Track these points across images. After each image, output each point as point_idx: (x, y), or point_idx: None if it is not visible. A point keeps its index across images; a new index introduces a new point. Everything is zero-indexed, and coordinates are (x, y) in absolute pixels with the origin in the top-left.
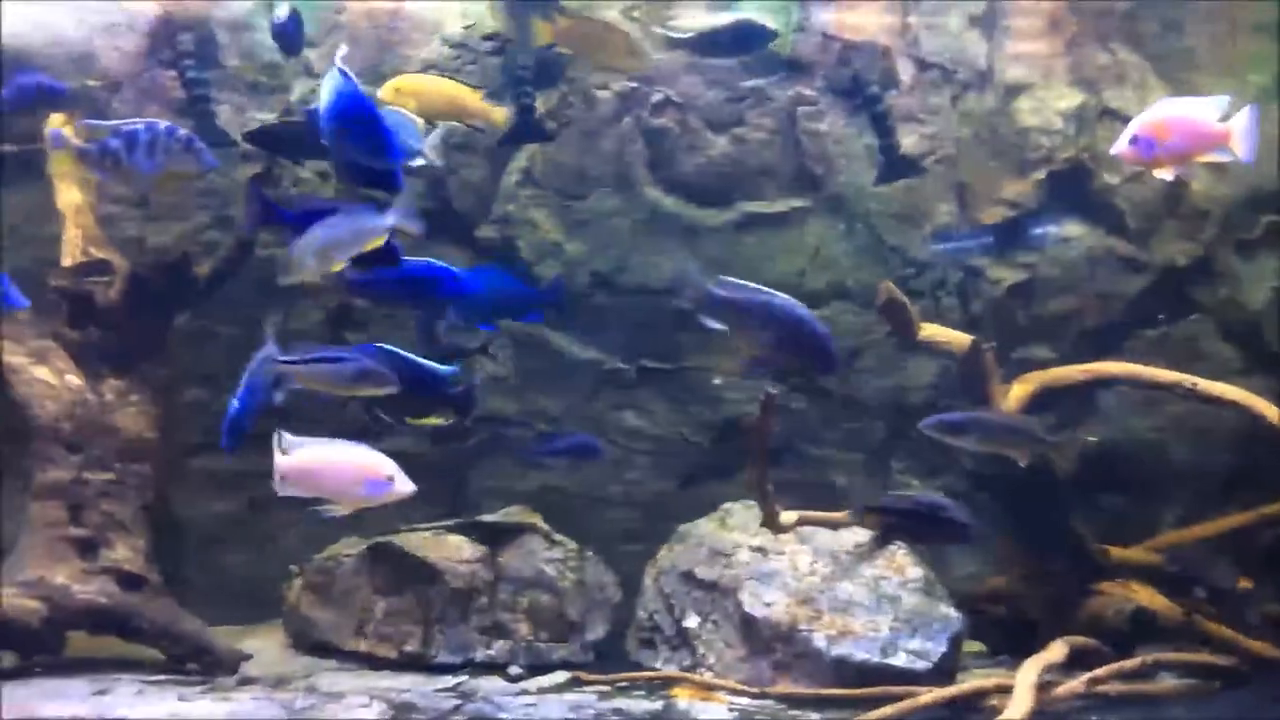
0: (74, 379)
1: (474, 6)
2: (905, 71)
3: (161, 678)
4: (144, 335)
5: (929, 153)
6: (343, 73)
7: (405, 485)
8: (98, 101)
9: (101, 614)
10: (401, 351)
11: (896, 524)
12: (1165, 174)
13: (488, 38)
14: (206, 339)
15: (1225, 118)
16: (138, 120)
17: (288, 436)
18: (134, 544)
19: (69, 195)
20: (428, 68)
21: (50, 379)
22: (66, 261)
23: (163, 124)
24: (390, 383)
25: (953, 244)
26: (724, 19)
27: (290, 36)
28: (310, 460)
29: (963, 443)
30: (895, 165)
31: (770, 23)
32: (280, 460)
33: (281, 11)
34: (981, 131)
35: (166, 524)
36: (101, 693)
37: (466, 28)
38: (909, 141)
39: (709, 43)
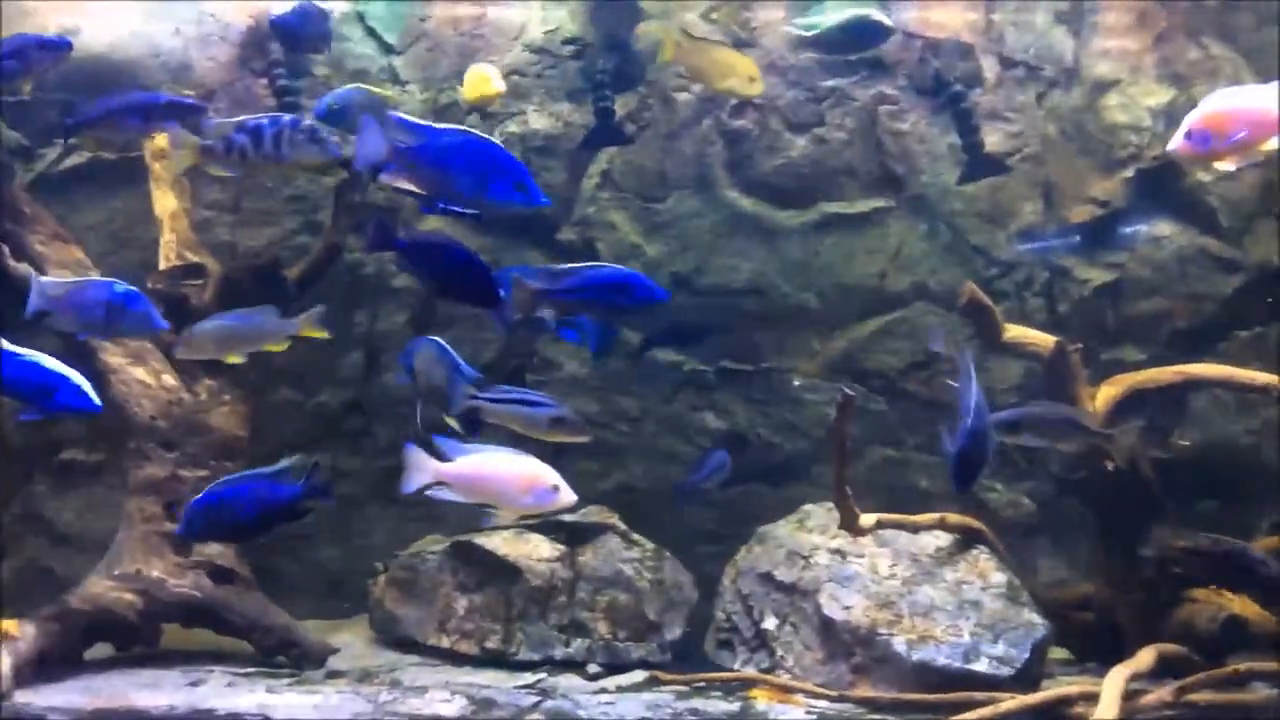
0: (170, 379)
1: (555, 12)
2: (989, 69)
3: (251, 670)
4: None
5: (1014, 151)
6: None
7: (569, 496)
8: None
9: (195, 607)
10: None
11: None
12: (1228, 166)
13: (568, 42)
14: (296, 340)
15: None
16: (262, 115)
17: (448, 441)
18: None
19: (165, 201)
20: (510, 73)
21: (147, 379)
22: (162, 265)
23: (286, 116)
24: (584, 432)
25: (1039, 244)
26: (843, 15)
27: (292, 29)
28: (476, 467)
29: (1020, 440)
30: (979, 164)
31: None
32: (441, 466)
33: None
34: (1068, 129)
35: None
36: (194, 684)
37: (547, 32)
38: (993, 140)
39: (829, 40)
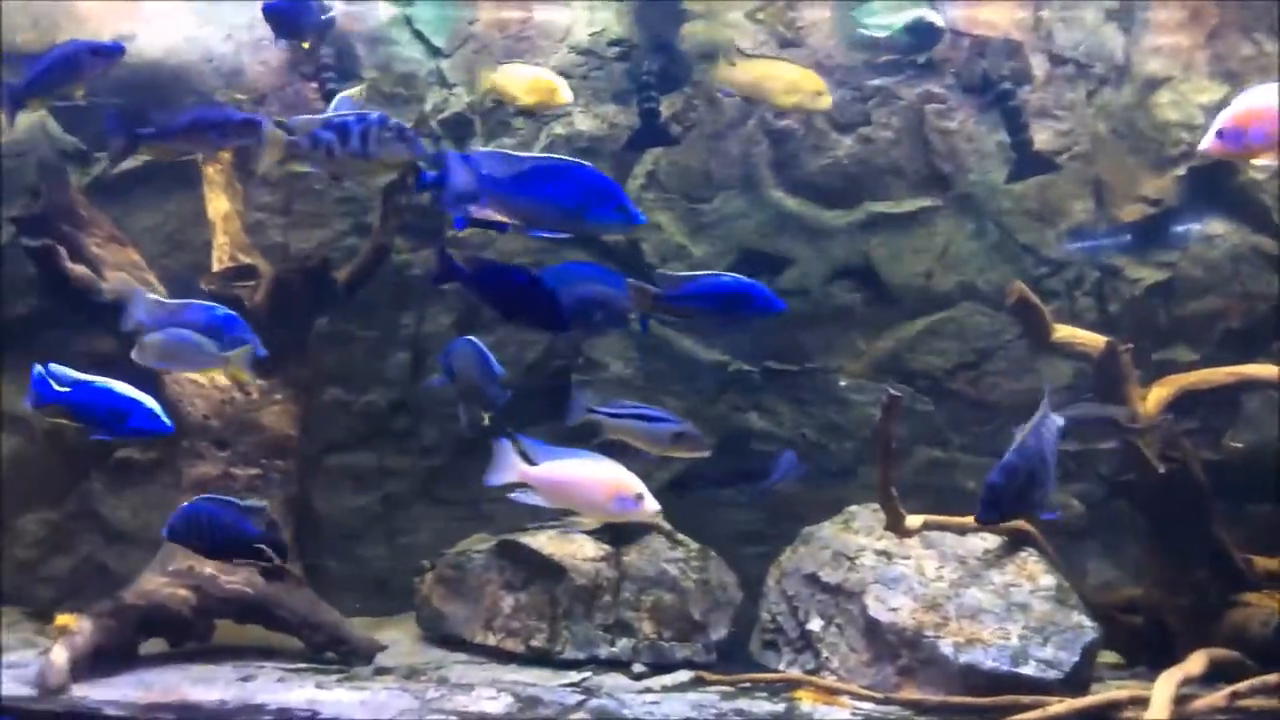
0: (222, 379)
1: (600, 14)
2: (1038, 66)
3: (301, 666)
4: (287, 337)
5: (1064, 149)
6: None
7: (652, 505)
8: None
9: (246, 603)
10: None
11: None
12: (1265, 162)
13: (613, 43)
14: (345, 341)
15: None
16: (348, 111)
17: (534, 444)
18: None
19: (219, 204)
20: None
21: (200, 379)
22: (215, 267)
23: (374, 113)
24: (704, 447)
25: (1089, 242)
26: (905, 16)
27: (283, 15)
28: (561, 473)
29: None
30: (1028, 162)
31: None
32: (527, 468)
33: None
34: (1119, 127)
35: (306, 518)
36: (245, 679)
37: (593, 34)
38: (1043, 138)
39: (893, 42)
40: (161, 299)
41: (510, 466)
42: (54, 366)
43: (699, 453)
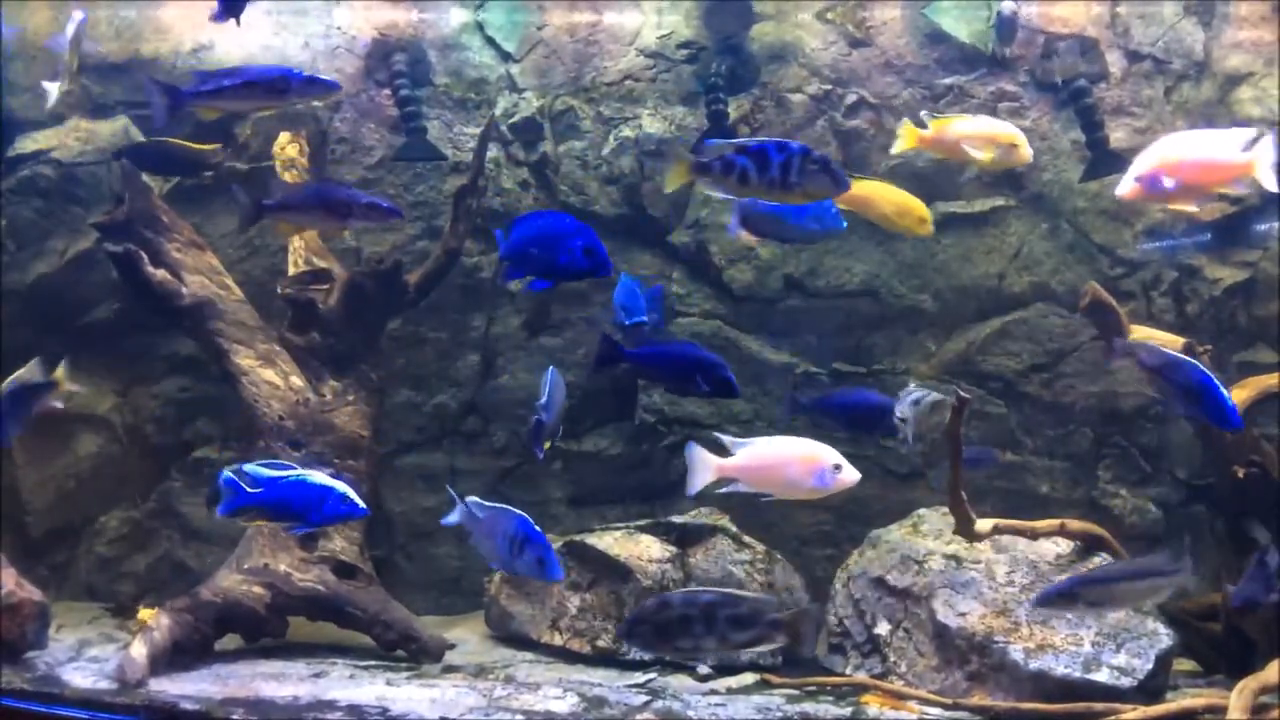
0: (297, 380)
1: (669, 16)
2: (1115, 63)
3: (372, 663)
4: (360, 339)
5: (1141, 147)
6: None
7: (852, 474)
8: (320, 121)
9: (319, 601)
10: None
11: None
12: (1182, 207)
13: (682, 45)
14: (416, 343)
15: (1251, 147)
16: (766, 139)
17: (725, 438)
18: (349, 536)
19: None
20: (625, 78)
21: (276, 380)
22: (291, 270)
23: (796, 143)
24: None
25: (1167, 242)
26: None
27: None
28: (759, 459)
29: None
30: (1104, 160)
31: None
32: (723, 462)
33: None
34: (1198, 124)
35: (378, 517)
36: (317, 675)
37: (661, 37)
38: (1119, 136)
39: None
40: (484, 502)
41: (706, 467)
42: (245, 468)
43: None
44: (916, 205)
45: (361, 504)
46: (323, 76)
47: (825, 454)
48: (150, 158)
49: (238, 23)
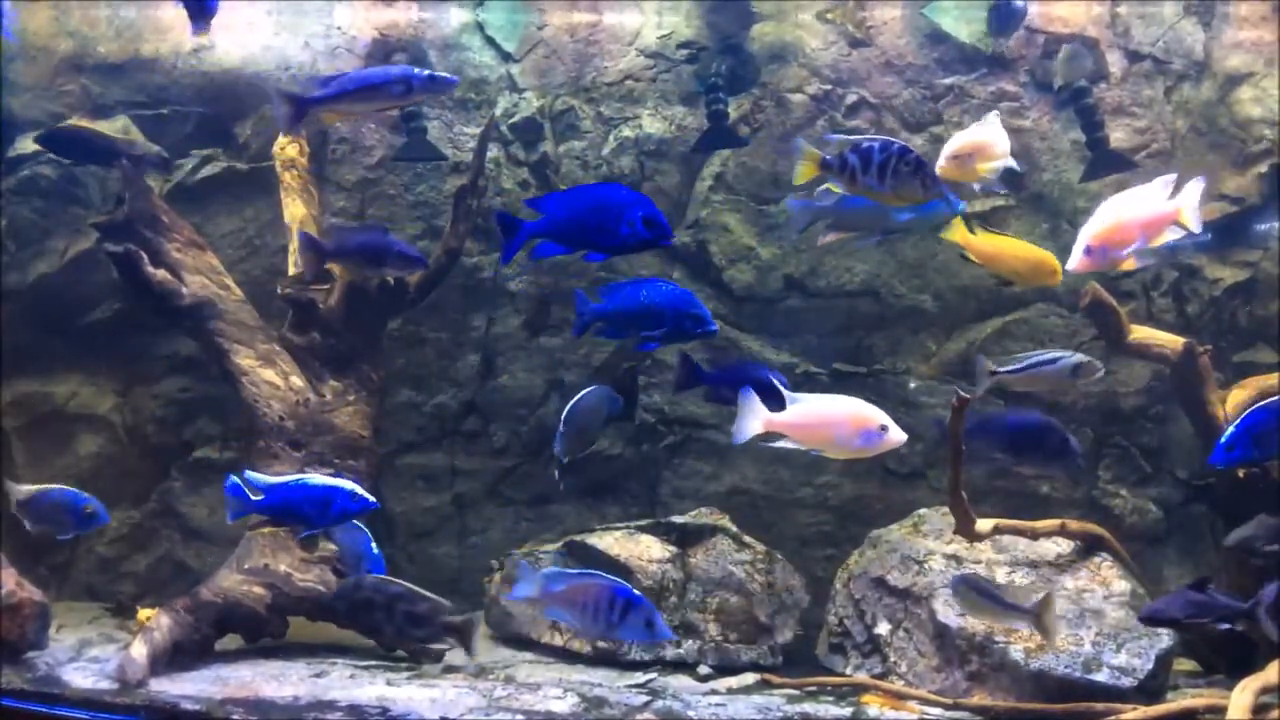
0: (297, 380)
1: (669, 16)
2: (1115, 63)
3: (372, 663)
4: (360, 339)
5: (1141, 147)
6: None
7: (898, 434)
8: (320, 121)
9: (320, 601)
10: None
11: None
12: (1130, 267)
13: (682, 45)
14: (416, 343)
15: (1175, 194)
16: (875, 138)
17: (788, 393)
18: None
19: (295, 209)
20: (625, 78)
21: (276, 380)
22: (292, 271)
23: (897, 144)
24: (1099, 369)
25: (1167, 242)
26: None
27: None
28: (808, 415)
29: None
30: (1104, 160)
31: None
32: (773, 415)
33: None
34: (1198, 123)
35: (379, 517)
36: (318, 675)
37: (661, 37)
38: (1119, 136)
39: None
40: (563, 571)
41: (757, 417)
42: (248, 475)
43: (1096, 375)
44: (1047, 260)
45: (370, 498)
46: (442, 74)
47: (873, 414)
48: (65, 144)
49: (208, 29)
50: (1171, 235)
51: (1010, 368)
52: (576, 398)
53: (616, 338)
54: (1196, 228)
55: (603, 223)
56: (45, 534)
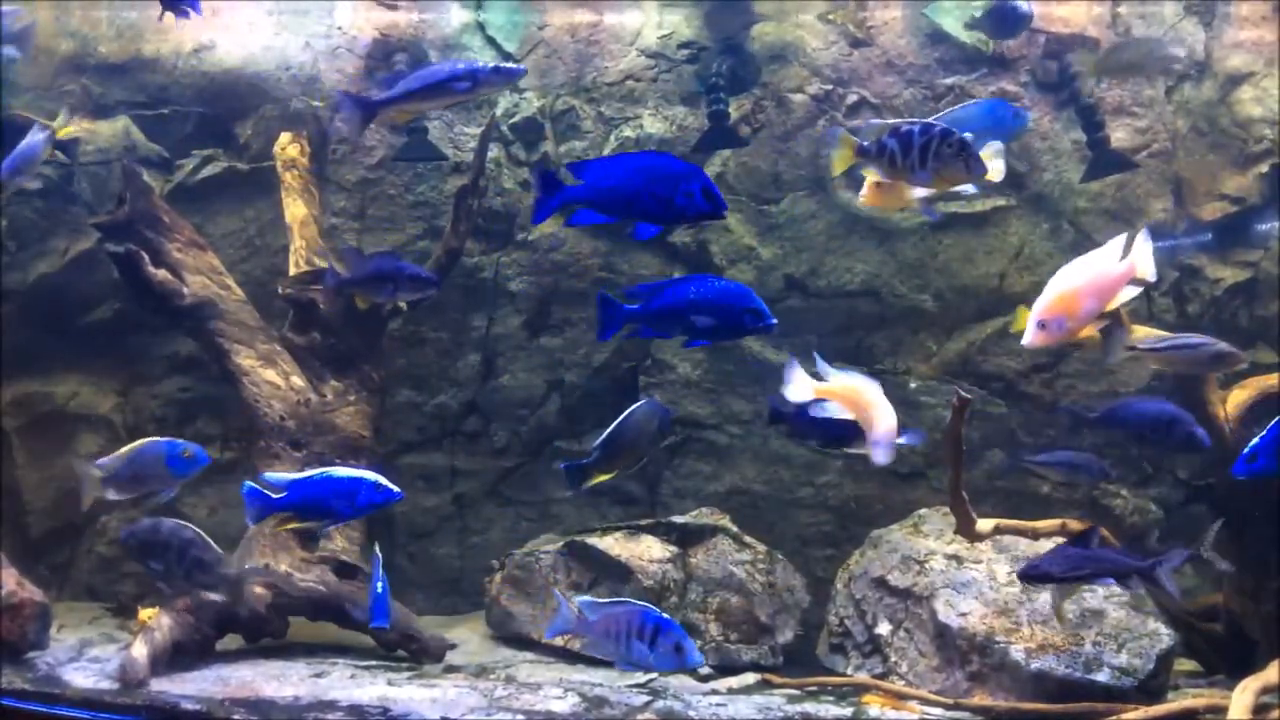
0: (298, 380)
1: (670, 16)
2: None
3: (373, 663)
4: (361, 339)
5: (1142, 147)
6: None
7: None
8: (321, 121)
9: (320, 601)
10: None
11: None
12: (1089, 334)
13: (683, 45)
14: (417, 343)
15: (1126, 253)
16: (914, 121)
17: (826, 366)
18: (350, 535)
19: (295, 209)
20: (625, 78)
21: (277, 380)
22: (292, 270)
23: (937, 125)
24: (1242, 360)
25: (1168, 242)
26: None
27: None
28: (854, 388)
29: None
30: (1104, 160)
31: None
32: (820, 385)
33: None
34: (1199, 123)
35: (379, 517)
36: (319, 675)
37: (662, 37)
38: (1120, 135)
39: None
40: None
41: (805, 385)
42: (265, 476)
43: (1239, 366)
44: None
45: (395, 488)
46: (507, 65)
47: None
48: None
49: (186, 16)
50: (1130, 294)
51: (1149, 345)
52: (628, 411)
53: (660, 336)
54: (1152, 277)
55: (655, 191)
56: (148, 502)
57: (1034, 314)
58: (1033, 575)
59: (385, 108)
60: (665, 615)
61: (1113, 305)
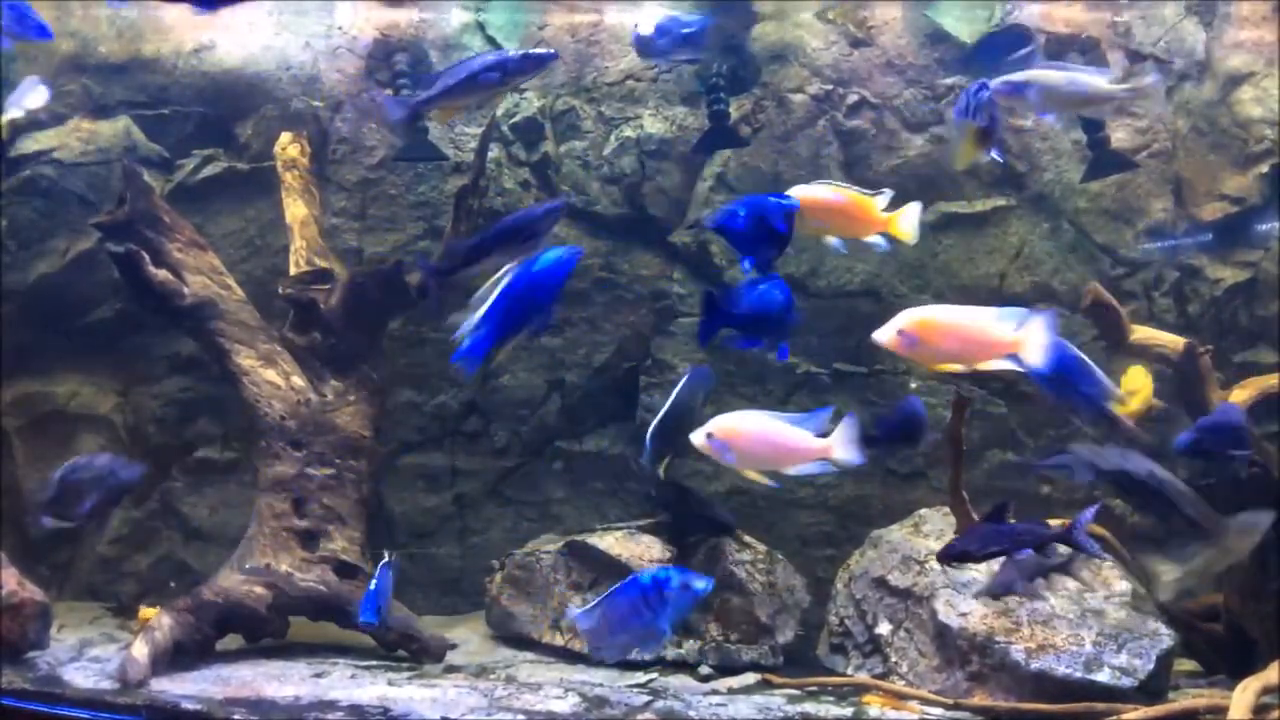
0: (298, 380)
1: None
2: (1116, 63)
3: (373, 663)
4: (361, 339)
5: (1142, 147)
6: None
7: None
8: (322, 121)
9: (321, 601)
10: None
11: None
12: (946, 368)
13: None
14: (417, 343)
15: (1021, 328)
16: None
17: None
18: (350, 535)
19: (296, 209)
20: (626, 78)
21: (277, 380)
22: (293, 270)
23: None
24: None
25: (1168, 242)
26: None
27: None
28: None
29: None
30: (1105, 160)
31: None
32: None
33: None
34: (1199, 123)
35: (380, 517)
36: (319, 675)
37: None
38: (1120, 136)
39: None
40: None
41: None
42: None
43: None
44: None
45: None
46: (536, 51)
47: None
48: None
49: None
50: (998, 364)
51: None
52: (681, 382)
53: (750, 346)
54: (1037, 364)
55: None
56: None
57: (898, 320)
58: (951, 555)
59: (428, 107)
60: (646, 572)
61: (981, 365)
